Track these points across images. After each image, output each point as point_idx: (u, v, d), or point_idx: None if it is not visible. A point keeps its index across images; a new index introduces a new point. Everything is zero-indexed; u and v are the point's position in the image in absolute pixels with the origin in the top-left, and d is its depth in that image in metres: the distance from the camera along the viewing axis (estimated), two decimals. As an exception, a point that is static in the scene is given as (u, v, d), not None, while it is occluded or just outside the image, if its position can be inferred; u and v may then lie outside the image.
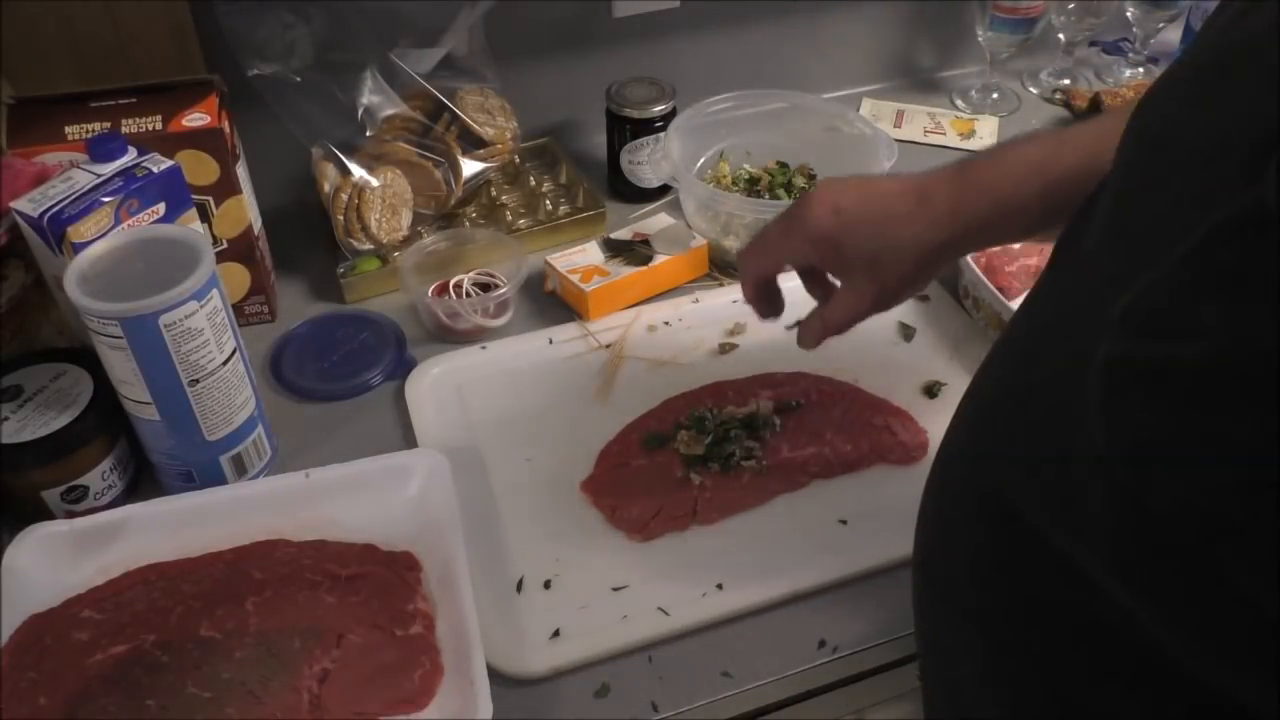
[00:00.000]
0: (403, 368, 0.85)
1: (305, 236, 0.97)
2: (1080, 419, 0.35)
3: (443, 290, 0.89)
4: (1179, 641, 0.34)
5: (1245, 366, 0.29)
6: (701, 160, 1.02)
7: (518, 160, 1.04)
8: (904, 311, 0.91)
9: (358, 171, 0.90)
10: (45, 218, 0.66)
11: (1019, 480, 0.41)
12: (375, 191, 0.90)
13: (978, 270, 0.86)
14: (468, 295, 0.89)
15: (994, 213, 0.61)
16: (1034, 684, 0.42)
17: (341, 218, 0.90)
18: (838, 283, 0.69)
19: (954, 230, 0.61)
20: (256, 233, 0.86)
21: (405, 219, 0.93)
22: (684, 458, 0.76)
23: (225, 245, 0.84)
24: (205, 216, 0.81)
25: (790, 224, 0.65)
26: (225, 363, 0.69)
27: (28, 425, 0.68)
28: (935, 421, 0.80)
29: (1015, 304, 0.82)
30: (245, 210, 0.83)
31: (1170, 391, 0.32)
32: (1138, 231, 0.38)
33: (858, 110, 1.11)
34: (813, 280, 0.70)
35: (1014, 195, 0.60)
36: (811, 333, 0.69)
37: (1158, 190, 0.37)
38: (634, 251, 0.92)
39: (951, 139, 1.16)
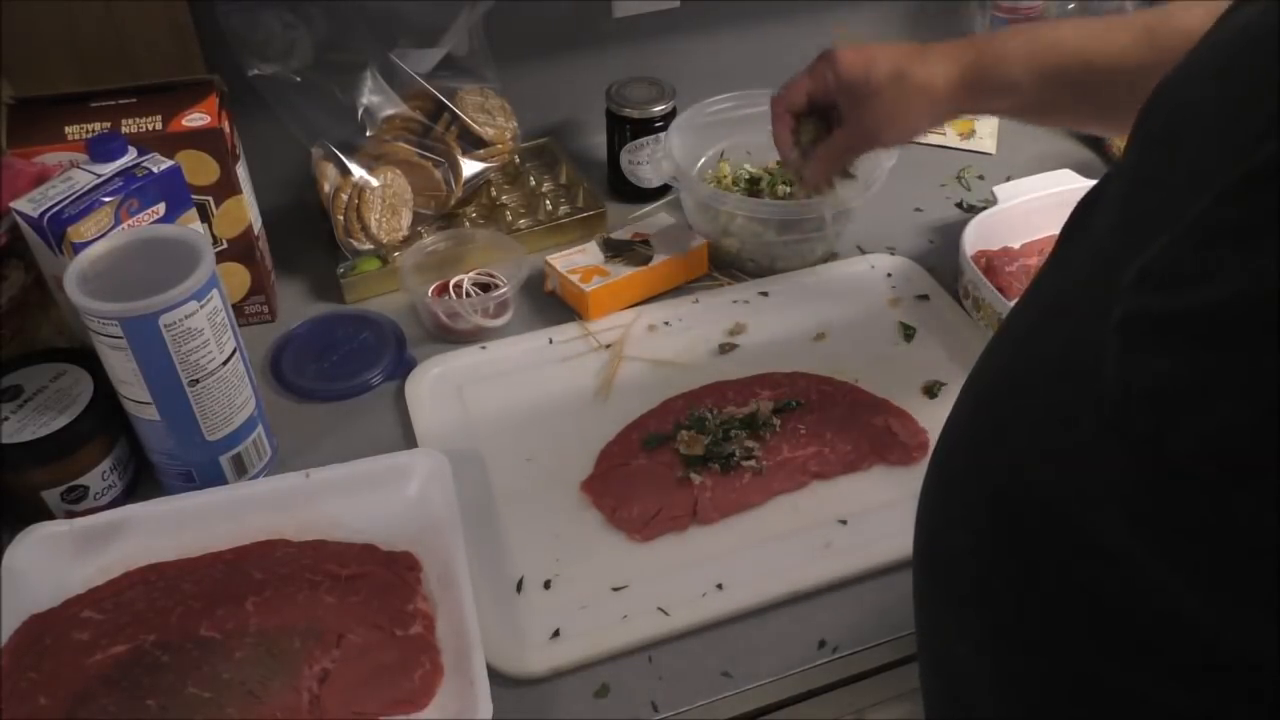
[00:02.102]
0: (403, 368, 0.85)
1: (305, 236, 0.97)
2: (1093, 386, 0.36)
3: (443, 290, 0.89)
4: (1201, 599, 0.34)
5: (1260, 305, 0.29)
6: (702, 160, 1.01)
7: (518, 160, 1.04)
8: (904, 311, 0.91)
9: (358, 171, 0.90)
10: (45, 218, 0.66)
11: (1028, 458, 0.42)
12: (375, 191, 0.90)
13: (978, 270, 0.86)
14: (468, 295, 0.89)
15: (981, 58, 0.71)
16: (1037, 660, 0.42)
17: (341, 218, 0.90)
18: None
19: (947, 69, 0.72)
20: (256, 233, 0.86)
21: (405, 219, 0.93)
22: (684, 458, 0.76)
23: (225, 245, 0.84)
24: (205, 216, 0.81)
25: (819, 59, 0.77)
26: (225, 363, 0.69)
27: (28, 425, 0.68)
28: (935, 421, 0.79)
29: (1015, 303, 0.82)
30: (245, 210, 0.83)
31: (1187, 336, 0.32)
32: (1152, 208, 0.38)
33: (858, 110, 1.11)
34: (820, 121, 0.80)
35: (1004, 49, 0.71)
36: (819, 160, 0.78)
37: (1173, 168, 0.38)
38: (634, 251, 0.92)
39: (951, 139, 1.16)
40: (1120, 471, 0.36)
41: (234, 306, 0.76)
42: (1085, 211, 0.45)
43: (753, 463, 0.75)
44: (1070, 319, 0.41)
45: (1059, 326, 0.42)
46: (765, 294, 0.92)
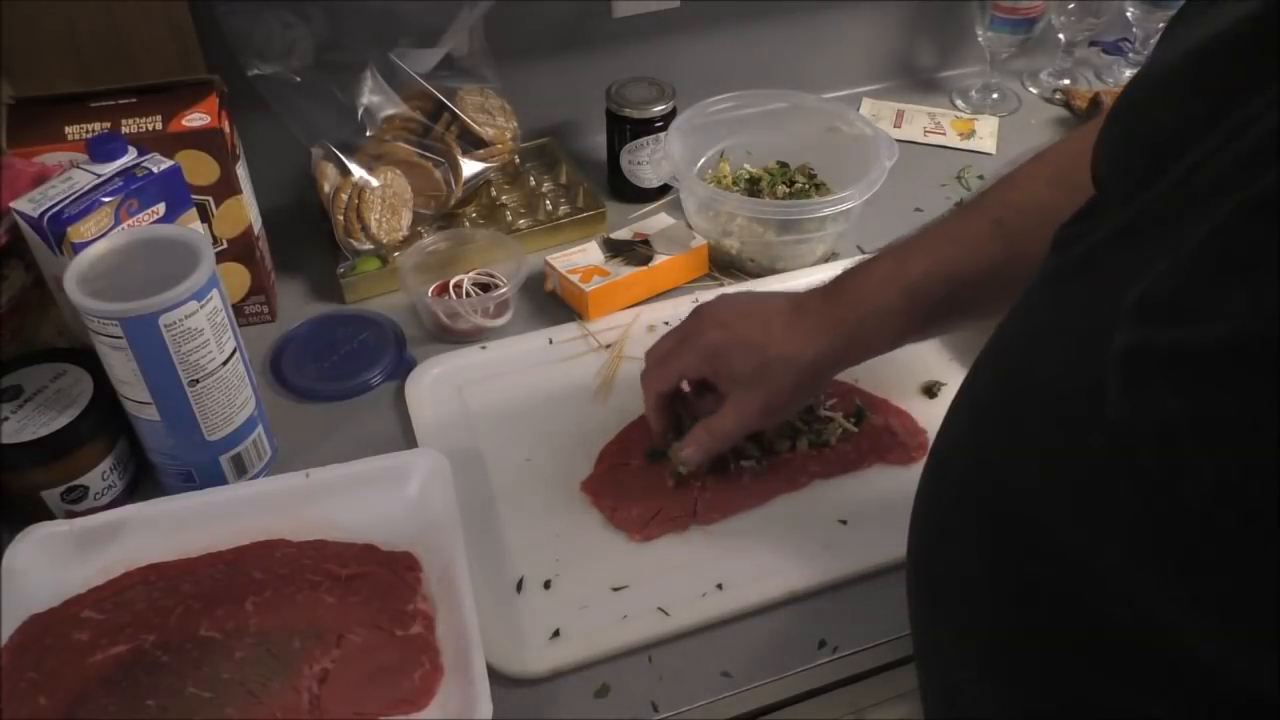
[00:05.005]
0: (403, 368, 0.85)
1: (305, 236, 0.97)
2: (1094, 412, 0.35)
3: (443, 290, 0.89)
4: (1201, 630, 0.34)
5: (1272, 342, 0.28)
6: (702, 160, 1.02)
7: (518, 160, 1.04)
8: (904, 311, 0.90)
9: (358, 171, 0.90)
10: (45, 218, 0.66)
11: (1025, 479, 0.41)
12: (375, 191, 0.90)
13: (978, 270, 0.86)
14: (468, 295, 0.89)
15: (861, 324, 0.66)
16: (1033, 679, 0.42)
17: (341, 218, 0.90)
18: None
19: (828, 345, 0.66)
20: (256, 233, 0.86)
21: (405, 219, 0.93)
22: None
23: (225, 245, 0.84)
24: (205, 216, 0.81)
25: (682, 340, 0.70)
26: (225, 363, 0.69)
27: (28, 425, 0.68)
28: (935, 421, 0.78)
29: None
30: (245, 210, 0.83)
31: (1195, 376, 0.31)
32: (1148, 224, 0.38)
33: (858, 110, 1.11)
34: (701, 394, 0.73)
35: (876, 305, 0.66)
36: (696, 442, 0.70)
37: (1163, 182, 0.37)
38: (634, 251, 0.92)
39: (951, 139, 1.16)
40: (1124, 507, 0.35)
41: (234, 306, 0.76)
42: (1081, 224, 0.45)
43: (752, 463, 0.75)
44: (1067, 342, 0.40)
45: (1055, 349, 0.41)
46: (765, 294, 0.92)
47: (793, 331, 0.67)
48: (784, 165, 1.02)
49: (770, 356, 0.67)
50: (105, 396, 0.70)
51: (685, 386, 0.74)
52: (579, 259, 0.91)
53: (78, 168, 0.70)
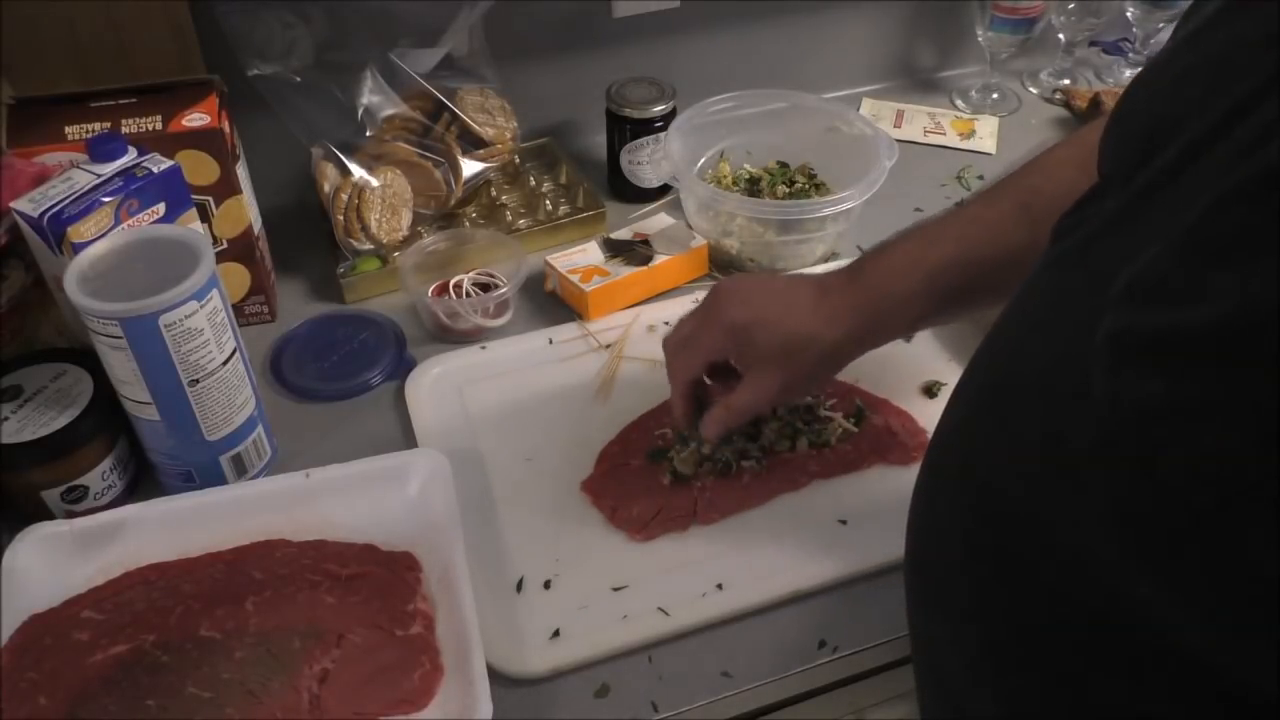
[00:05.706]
0: (403, 368, 0.85)
1: (305, 236, 0.97)
2: (1081, 400, 0.35)
3: (443, 290, 0.89)
4: (1190, 620, 0.34)
5: (1256, 326, 0.29)
6: (702, 160, 1.02)
7: (518, 160, 1.04)
8: (904, 311, 0.90)
9: (358, 171, 0.90)
10: (45, 218, 0.66)
11: (1017, 472, 0.41)
12: (375, 191, 0.90)
13: (978, 270, 0.86)
14: (468, 295, 0.89)
15: (883, 307, 0.65)
16: (1030, 676, 0.42)
17: (341, 218, 0.90)
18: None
19: (851, 326, 0.66)
20: (256, 233, 0.86)
21: (405, 219, 0.93)
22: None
23: (225, 245, 0.84)
24: (205, 216, 0.81)
25: (706, 317, 0.69)
26: (225, 363, 0.69)
27: (28, 425, 0.68)
28: (935, 422, 0.79)
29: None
30: (245, 210, 0.83)
31: (1178, 358, 0.31)
32: (1141, 216, 0.38)
33: (858, 110, 1.11)
34: (719, 376, 0.72)
35: (899, 289, 0.65)
36: (716, 420, 0.70)
37: (1161, 176, 0.37)
38: (634, 251, 0.92)
39: (951, 139, 1.16)
40: (1111, 493, 0.35)
41: (234, 306, 0.76)
42: (1075, 219, 0.45)
43: (752, 463, 0.75)
44: (1060, 330, 0.40)
45: (1049, 337, 0.41)
46: (765, 294, 0.92)
47: (818, 311, 0.66)
48: (784, 165, 1.02)
49: (795, 335, 0.66)
50: (105, 396, 0.70)
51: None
52: (579, 259, 0.91)
53: (78, 168, 0.70)
